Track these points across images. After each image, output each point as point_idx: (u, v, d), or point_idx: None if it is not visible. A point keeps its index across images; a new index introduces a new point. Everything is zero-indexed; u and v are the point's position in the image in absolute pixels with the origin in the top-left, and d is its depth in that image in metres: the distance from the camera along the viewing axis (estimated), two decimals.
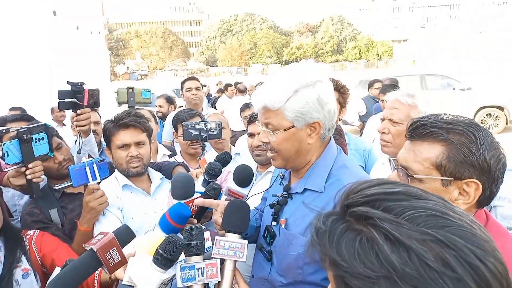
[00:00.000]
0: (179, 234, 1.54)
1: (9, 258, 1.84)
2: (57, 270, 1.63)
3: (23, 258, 1.88)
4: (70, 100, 2.06)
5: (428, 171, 1.13)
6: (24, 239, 1.95)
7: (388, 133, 1.99)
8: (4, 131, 1.85)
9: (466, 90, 10.63)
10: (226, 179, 2.21)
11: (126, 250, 1.35)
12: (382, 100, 4.69)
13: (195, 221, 1.67)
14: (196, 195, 1.65)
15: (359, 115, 6.47)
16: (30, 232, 1.99)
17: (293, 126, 1.34)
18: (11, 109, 5.75)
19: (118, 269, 1.25)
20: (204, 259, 1.15)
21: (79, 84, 2.05)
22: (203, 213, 1.70)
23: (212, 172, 1.70)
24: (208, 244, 1.32)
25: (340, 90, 2.55)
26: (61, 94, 2.03)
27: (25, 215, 2.09)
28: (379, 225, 0.58)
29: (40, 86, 8.42)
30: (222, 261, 1.20)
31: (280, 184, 1.59)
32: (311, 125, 1.36)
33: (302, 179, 1.45)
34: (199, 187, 1.69)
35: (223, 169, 1.87)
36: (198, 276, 1.10)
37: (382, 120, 2.07)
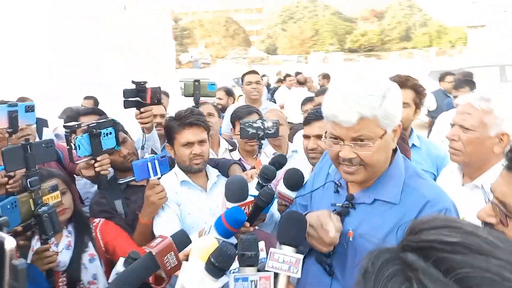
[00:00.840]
0: (233, 238, 1.56)
1: (79, 243, 2.01)
2: (121, 261, 1.74)
3: (90, 244, 2.05)
4: (134, 99, 2.17)
5: None
6: (91, 226, 2.12)
7: (458, 140, 1.83)
8: (76, 126, 2.00)
9: None
10: (279, 180, 2.20)
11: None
12: (455, 96, 4.32)
13: (248, 224, 1.68)
14: (250, 198, 1.66)
15: (428, 110, 6.03)
16: (96, 220, 2.16)
17: (386, 132, 1.27)
18: (86, 97, 6.25)
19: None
20: (258, 270, 1.14)
21: (142, 83, 2.15)
22: (256, 216, 1.71)
23: (266, 177, 1.69)
24: (262, 255, 1.31)
25: (417, 90, 2.39)
26: (126, 93, 2.15)
27: (93, 204, 2.27)
28: (422, 281, 0.51)
29: (111, 77, 9.02)
30: (276, 274, 1.17)
31: (335, 192, 1.52)
32: (394, 129, 1.30)
33: (370, 188, 1.35)
34: (252, 189, 1.69)
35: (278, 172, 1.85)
36: None
37: (452, 125, 1.91)
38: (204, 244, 1.17)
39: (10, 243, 0.78)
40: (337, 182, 1.49)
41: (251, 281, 1.11)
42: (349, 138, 1.26)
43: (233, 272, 1.23)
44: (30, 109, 2.04)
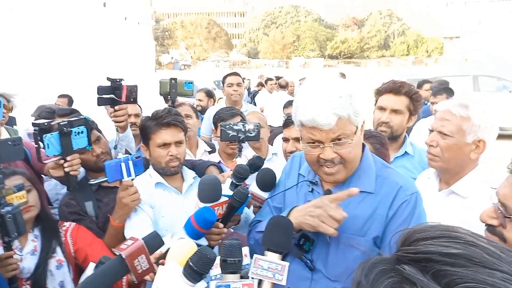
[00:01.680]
0: (204, 239, 1.51)
1: (45, 248, 1.90)
2: (91, 266, 1.66)
3: (58, 249, 1.94)
4: (108, 96, 2.08)
5: None
6: (60, 230, 2.01)
7: (436, 146, 1.84)
8: (46, 123, 1.90)
9: None
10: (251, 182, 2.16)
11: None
12: (433, 103, 4.40)
13: (221, 225, 1.63)
14: (223, 198, 1.62)
15: None
16: (66, 224, 2.05)
17: (357, 128, 1.37)
18: (60, 96, 6.04)
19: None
20: (241, 277, 1.09)
21: (117, 80, 2.07)
22: (230, 216, 1.66)
23: (240, 175, 1.65)
24: (245, 261, 1.26)
25: (412, 97, 2.35)
26: (100, 90, 2.06)
27: (62, 206, 2.16)
28: None
29: (88, 76, 8.79)
30: (260, 281, 1.13)
31: (310, 192, 1.51)
32: (362, 125, 1.40)
33: (345, 183, 1.44)
34: (227, 190, 1.65)
35: (253, 175, 1.82)
36: None
37: (431, 131, 1.92)
38: (182, 248, 1.11)
39: None
40: (313, 181, 1.52)
41: None
42: (329, 139, 1.33)
43: (215, 279, 1.18)
44: None
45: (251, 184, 1.76)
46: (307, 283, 1.43)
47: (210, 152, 3.25)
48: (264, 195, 1.73)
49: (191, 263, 1.02)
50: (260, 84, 12.05)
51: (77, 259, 1.99)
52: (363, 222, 1.38)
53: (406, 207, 1.37)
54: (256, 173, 1.77)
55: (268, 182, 1.72)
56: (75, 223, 2.06)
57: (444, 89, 4.46)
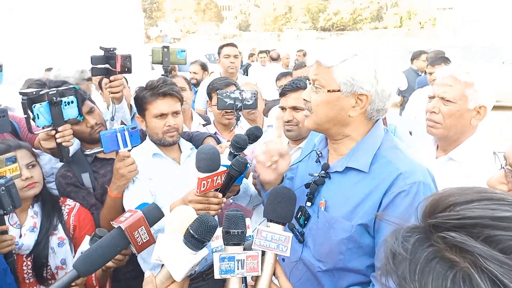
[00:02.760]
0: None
1: (45, 224, 1.88)
2: (86, 239, 1.64)
3: (60, 227, 1.92)
4: (103, 66, 2.02)
5: None
6: (64, 208, 1.99)
7: (438, 112, 1.82)
8: (34, 92, 1.83)
9: None
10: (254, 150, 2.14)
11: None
12: (430, 73, 4.37)
13: (220, 195, 1.63)
14: (222, 168, 1.60)
15: (399, 89, 6.14)
16: (71, 203, 2.02)
17: (339, 91, 1.27)
18: (47, 69, 5.87)
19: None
20: (244, 249, 1.07)
21: (111, 49, 2.00)
22: (229, 186, 1.66)
23: (238, 145, 1.63)
24: (248, 232, 1.26)
25: None
26: (94, 59, 1.99)
27: (58, 177, 2.13)
28: (483, 265, 0.43)
29: (77, 48, 8.55)
30: (263, 253, 1.10)
31: (316, 162, 1.50)
32: (358, 96, 1.27)
33: (344, 157, 1.35)
34: (225, 160, 1.64)
35: (253, 144, 1.80)
36: (238, 269, 1.03)
37: (431, 98, 1.90)
38: (181, 215, 1.10)
39: None
40: (318, 152, 1.48)
41: (237, 261, 1.03)
42: (310, 79, 1.35)
43: (217, 251, 1.17)
44: None
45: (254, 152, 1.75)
46: (297, 255, 1.44)
47: (204, 125, 3.22)
48: None
49: (191, 231, 1.00)
50: (251, 55, 11.86)
51: (73, 236, 1.97)
52: (354, 205, 1.29)
53: (404, 198, 1.21)
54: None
55: (258, 135, 1.72)
56: (79, 205, 2.04)
57: (441, 58, 4.43)
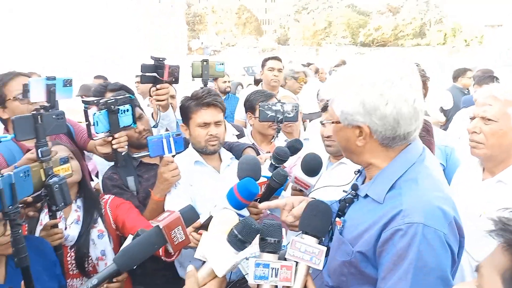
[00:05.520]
0: (245, 210, 1.52)
1: (87, 218, 2.00)
2: (129, 238, 1.72)
3: (99, 220, 2.03)
4: (151, 74, 2.13)
5: None
6: (101, 202, 2.10)
7: (479, 132, 1.77)
8: (95, 101, 1.96)
9: None
10: (296, 164, 2.16)
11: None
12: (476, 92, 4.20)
13: (260, 205, 1.65)
14: (262, 179, 1.63)
15: (442, 108, 5.71)
16: (106, 196, 2.14)
17: (339, 122, 1.25)
18: (96, 77, 6.23)
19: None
20: (278, 258, 1.10)
21: (160, 59, 2.11)
22: (268, 197, 1.68)
23: (279, 157, 1.66)
24: (283, 242, 1.27)
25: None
26: (144, 67, 2.10)
27: (105, 179, 2.25)
28: None
29: (124, 58, 8.98)
30: (296, 263, 1.13)
31: (356, 180, 1.49)
32: (359, 128, 1.21)
33: (369, 183, 1.31)
34: (266, 171, 1.67)
35: (292, 156, 1.82)
36: (271, 276, 1.06)
37: (472, 118, 1.85)
38: (225, 217, 1.14)
39: None
40: (355, 171, 1.48)
41: (272, 269, 1.06)
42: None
43: (253, 257, 1.20)
44: (67, 83, 1.95)
45: (295, 167, 1.76)
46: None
47: (238, 136, 3.27)
48: (309, 180, 1.72)
49: (235, 231, 1.04)
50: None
51: (118, 229, 2.08)
52: (360, 232, 1.23)
53: (400, 239, 1.10)
54: (299, 157, 1.76)
55: (314, 167, 1.71)
56: (113, 196, 2.14)
57: (489, 77, 4.24)
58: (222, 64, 2.71)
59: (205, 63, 2.63)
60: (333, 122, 1.29)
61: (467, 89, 5.63)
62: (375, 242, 1.17)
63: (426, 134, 1.88)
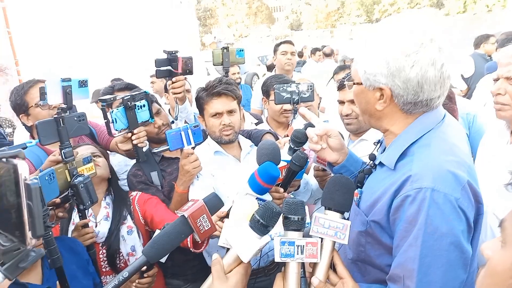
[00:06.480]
0: (267, 195, 1.52)
1: (116, 215, 2.04)
2: (157, 232, 1.75)
3: (128, 217, 2.08)
4: (165, 68, 2.14)
5: None
6: (129, 199, 2.15)
7: (504, 93, 1.70)
8: (112, 99, 1.99)
9: None
10: None
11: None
12: None
13: (282, 190, 1.64)
14: (282, 163, 1.61)
15: (462, 76, 5.39)
16: (133, 193, 2.18)
17: (361, 83, 1.22)
18: (113, 80, 6.35)
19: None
20: (303, 236, 1.09)
21: (173, 52, 2.11)
22: (290, 181, 1.66)
23: (298, 140, 1.63)
24: (307, 219, 1.26)
25: None
26: (158, 62, 2.12)
27: (130, 176, 2.29)
28: None
29: (137, 57, 9.08)
30: (320, 239, 1.11)
31: (377, 150, 1.46)
32: (380, 89, 1.18)
33: (385, 150, 1.29)
34: (285, 155, 1.65)
35: None
36: (297, 254, 1.05)
37: (496, 80, 1.76)
38: (246, 205, 1.14)
39: (22, 166, 0.80)
40: (375, 143, 1.47)
41: (297, 246, 1.05)
42: None
43: (278, 236, 1.19)
44: (83, 84, 1.98)
45: None
46: None
47: (257, 124, 3.26)
48: None
49: (257, 216, 1.04)
50: (300, 55, 11.76)
51: (146, 221, 2.12)
52: (373, 201, 1.21)
53: (410, 205, 1.07)
54: None
55: None
56: (141, 192, 2.18)
57: None
58: (242, 50, 2.71)
59: (225, 50, 2.63)
60: (354, 83, 1.26)
61: (490, 56, 5.38)
62: (387, 210, 1.15)
63: (449, 101, 1.81)
